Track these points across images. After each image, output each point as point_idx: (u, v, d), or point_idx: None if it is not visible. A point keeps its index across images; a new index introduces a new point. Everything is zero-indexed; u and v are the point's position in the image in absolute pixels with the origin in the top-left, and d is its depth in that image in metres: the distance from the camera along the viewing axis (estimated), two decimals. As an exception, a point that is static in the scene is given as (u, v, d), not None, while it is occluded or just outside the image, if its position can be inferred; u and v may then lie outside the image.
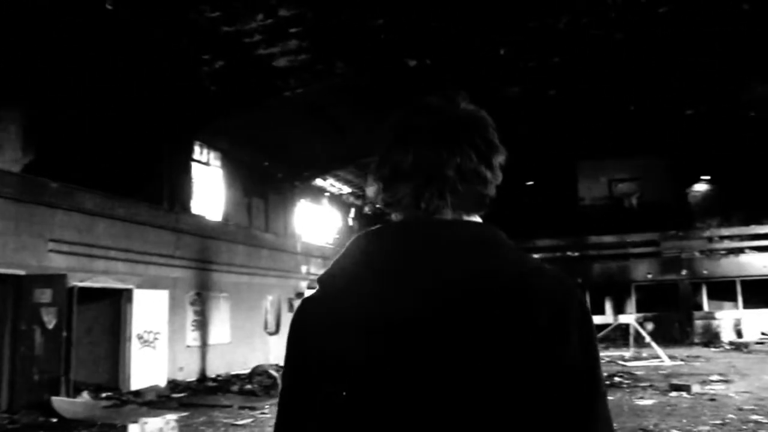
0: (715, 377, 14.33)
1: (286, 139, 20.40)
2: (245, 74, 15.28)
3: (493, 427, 1.06)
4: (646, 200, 22.09)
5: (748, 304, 26.02)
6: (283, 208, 22.64)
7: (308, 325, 1.22)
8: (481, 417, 1.06)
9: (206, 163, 18.41)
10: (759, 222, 27.68)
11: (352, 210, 28.33)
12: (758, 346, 22.00)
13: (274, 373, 13.83)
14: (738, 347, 22.18)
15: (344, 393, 1.12)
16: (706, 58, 17.40)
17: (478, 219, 1.24)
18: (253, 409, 11.48)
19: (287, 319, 21.59)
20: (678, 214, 28.19)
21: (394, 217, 1.26)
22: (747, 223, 27.52)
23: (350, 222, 28.29)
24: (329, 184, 26.09)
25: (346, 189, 27.37)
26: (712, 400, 11.38)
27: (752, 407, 10.62)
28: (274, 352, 20.54)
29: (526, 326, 1.08)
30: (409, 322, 1.10)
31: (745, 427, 9.02)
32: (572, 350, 1.10)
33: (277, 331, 20.84)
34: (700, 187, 29.54)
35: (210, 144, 18.51)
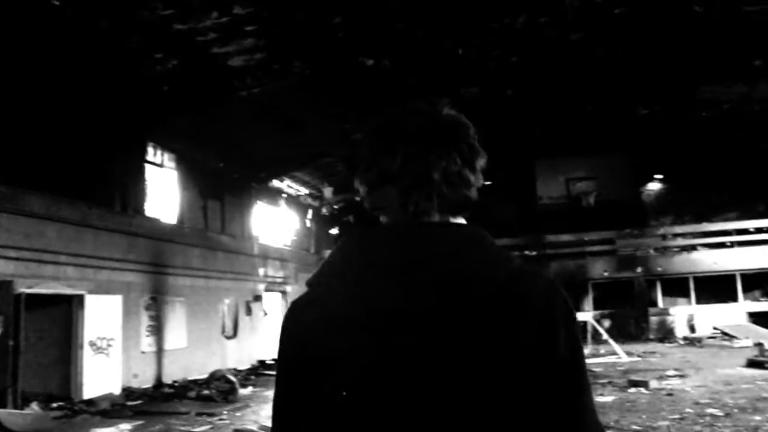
0: (671, 372, 14.53)
1: (243, 140, 20.05)
2: (199, 73, 14.94)
3: (486, 420, 1.11)
4: (603, 199, 22.34)
5: (700, 300, 26.58)
6: (240, 210, 22.28)
7: (301, 328, 1.24)
8: (476, 411, 1.11)
9: (160, 165, 17.98)
10: (709, 220, 28.33)
11: (310, 211, 28.07)
12: (711, 341, 22.46)
13: (232, 378, 13.57)
14: (692, 342, 22.61)
15: (343, 393, 1.15)
16: (660, 58, 17.63)
17: (462, 220, 1.28)
18: (211, 415, 11.21)
19: (245, 323, 21.32)
20: (634, 213, 28.67)
21: (382, 219, 1.28)
22: (698, 221, 28.13)
23: (308, 223, 28.03)
24: (286, 185, 25.78)
25: (304, 190, 27.09)
26: (670, 395, 11.51)
27: (708, 401, 10.77)
28: (232, 356, 20.21)
29: (518, 325, 1.13)
30: (402, 322, 1.13)
31: (702, 420, 9.12)
32: (560, 346, 1.15)
33: (234, 335, 20.51)
34: (654, 186, 30.09)
35: (164, 145, 18.09)
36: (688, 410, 9.91)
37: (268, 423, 10.25)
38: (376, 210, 1.29)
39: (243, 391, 14.58)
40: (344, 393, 1.15)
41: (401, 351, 1.13)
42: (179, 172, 18.73)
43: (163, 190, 18.20)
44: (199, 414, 11.34)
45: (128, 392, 14.19)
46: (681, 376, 13.94)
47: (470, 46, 16.02)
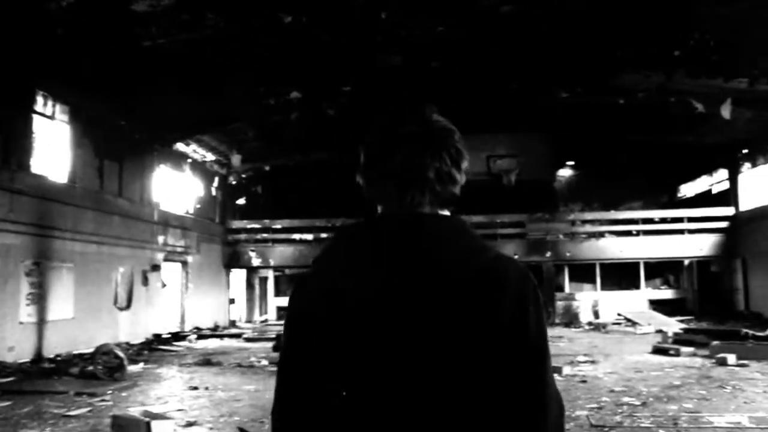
0: (581, 358, 14.38)
1: (147, 97, 18.55)
2: (98, 16, 13.47)
3: (466, 382, 1.32)
4: (524, 178, 22.10)
5: (604, 286, 27.05)
6: (140, 173, 20.76)
7: (306, 298, 1.45)
8: (457, 373, 1.32)
9: (51, 117, 16.33)
10: (615, 208, 28.86)
11: (216, 179, 26.68)
12: (615, 327, 22.78)
13: (120, 354, 12.38)
14: (596, 327, 22.86)
15: (348, 368, 1.36)
16: (586, 39, 17.37)
17: (447, 213, 1.48)
18: (92, 395, 10.07)
19: (141, 293, 19.94)
20: (550, 195, 28.85)
21: (380, 209, 1.51)
22: (606, 209, 28.59)
23: (214, 192, 26.65)
24: (192, 149, 24.31)
25: (211, 156, 25.66)
26: (584, 381, 11.24)
27: (622, 389, 10.54)
28: (125, 329, 18.87)
29: (495, 303, 1.35)
30: (400, 296, 1.34)
31: (620, 410, 8.78)
32: (531, 322, 1.37)
33: (128, 306, 19.15)
34: (565, 172, 30.38)
35: (56, 95, 16.44)
36: (604, 399, 9.59)
37: (156, 405, 9.23)
38: (375, 200, 1.52)
39: (133, 368, 13.41)
40: (345, 374, 1.36)
41: (397, 321, 1.33)
42: (73, 127, 17.11)
43: (54, 146, 16.58)
44: (78, 394, 10.17)
45: (0, 367, 12.77)
46: (592, 362, 13.78)
47: (394, 9, 15.19)
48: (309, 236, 27.37)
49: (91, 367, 12.29)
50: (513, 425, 1.32)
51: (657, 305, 26.25)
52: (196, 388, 11.05)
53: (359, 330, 1.35)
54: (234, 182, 28.17)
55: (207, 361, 14.93)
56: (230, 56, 16.24)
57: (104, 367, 12.28)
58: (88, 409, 9.04)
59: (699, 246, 25.80)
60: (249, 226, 27.81)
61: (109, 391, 10.47)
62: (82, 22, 13.40)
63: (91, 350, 14.41)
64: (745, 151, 24.98)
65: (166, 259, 22.07)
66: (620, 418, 8.26)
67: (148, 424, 6.47)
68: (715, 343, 14.49)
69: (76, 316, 16.56)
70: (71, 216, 16.59)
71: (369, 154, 1.52)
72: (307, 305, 1.43)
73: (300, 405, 1.40)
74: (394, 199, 1.45)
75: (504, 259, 1.42)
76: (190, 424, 8.13)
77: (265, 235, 27.66)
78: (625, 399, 9.57)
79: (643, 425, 7.84)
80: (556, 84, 20.32)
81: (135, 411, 8.70)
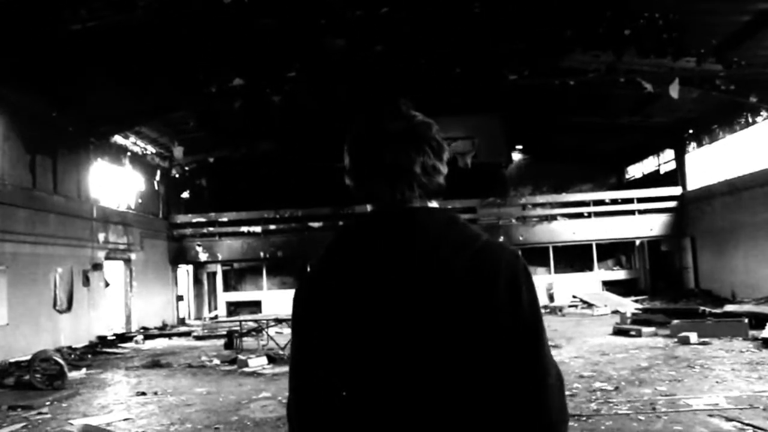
0: (543, 343, 14.09)
1: (80, 88, 17.52)
2: (21, -1, 12.48)
3: (468, 362, 1.40)
4: (479, 161, 21.72)
5: (558, 269, 27.02)
6: (76, 168, 19.65)
7: (313, 293, 1.53)
8: (458, 354, 1.40)
9: (-26, 110, 15.21)
10: (566, 191, 28.86)
11: (159, 172, 25.61)
12: (571, 309, 22.72)
13: (60, 360, 11.51)
14: (553, 311, 22.76)
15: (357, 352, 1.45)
16: (533, 19, 17.09)
17: (436, 204, 1.57)
18: (27, 408, 9.24)
19: (82, 294, 18.89)
20: (498, 180, 28.64)
21: (369, 207, 1.57)
22: (556, 192, 28.54)
23: (156, 186, 25.58)
24: (131, 142, 23.21)
25: (152, 149, 24.60)
26: (550, 368, 10.91)
27: (591, 373, 10.28)
28: (66, 332, 17.87)
29: (490, 286, 1.42)
30: (399, 286, 1.42)
31: (594, 396, 8.46)
32: (524, 302, 1.45)
33: (69, 309, 18.13)
34: (515, 156, 30.21)
35: (-22, 86, 15.31)
36: (576, 385, 9.27)
37: (100, 415, 8.49)
38: (366, 198, 1.57)
39: (74, 375, 12.57)
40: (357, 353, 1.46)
41: (397, 314, 1.41)
42: (0, 120, 15.98)
43: (-21, 141, 15.46)
44: (12, 407, 9.31)
45: (-74, 380, 11.78)
46: (555, 347, 13.49)
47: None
48: (257, 228, 26.55)
49: (27, 377, 11.40)
50: (518, 398, 1.40)
51: (610, 286, 26.34)
52: (143, 394, 10.31)
53: (362, 324, 1.44)
54: (177, 175, 27.08)
55: (155, 362, 14.14)
56: (165, 41, 15.36)
57: (43, 376, 11.39)
58: (23, 425, 8.23)
59: (649, 226, 25.97)
60: (195, 221, 26.84)
61: (48, 402, 9.65)
62: (2, 3, 12.40)
63: (28, 357, 13.49)
64: (691, 131, 25.18)
65: (108, 258, 21.03)
66: (596, 405, 7.91)
67: (88, 441, 5.79)
68: (675, 322, 14.39)
69: (10, 322, 15.51)
70: (1, 215, 15.52)
71: (355, 155, 1.58)
72: (311, 304, 1.52)
73: (312, 397, 1.50)
74: (385, 195, 1.52)
75: (494, 244, 1.50)
76: (137, 436, 7.46)
77: (211, 229, 26.75)
78: (597, 384, 9.26)
79: (621, 412, 7.50)
80: (503, 66, 20.00)
81: (76, 423, 7.97)
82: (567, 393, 8.63)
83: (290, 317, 1.58)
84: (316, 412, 1.49)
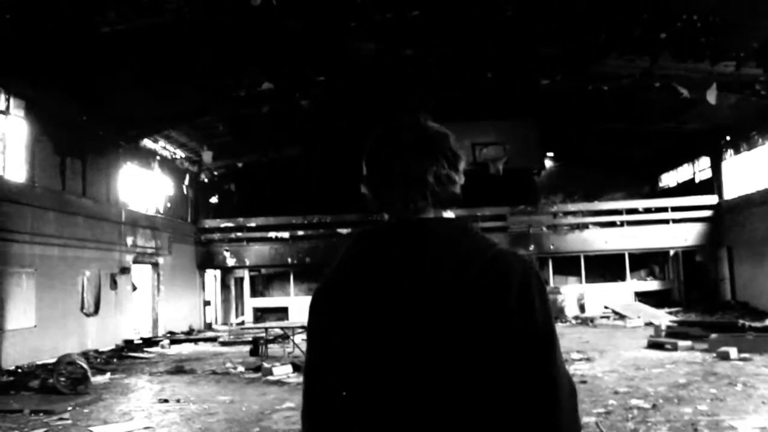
0: (575, 355, 13.69)
1: (110, 90, 17.56)
2: (52, 1, 12.46)
3: (481, 370, 1.41)
4: (512, 167, 21.29)
5: (589, 279, 26.47)
6: (106, 172, 19.69)
7: (328, 301, 1.55)
8: (471, 362, 1.41)
9: (4, 112, 15.24)
10: (597, 198, 28.28)
11: (187, 177, 25.63)
12: (603, 320, 22.19)
13: (83, 364, 11.41)
14: (584, 322, 22.26)
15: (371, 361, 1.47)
16: (566, 24, 16.71)
17: (451, 214, 1.61)
18: (49, 413, 9.12)
19: (109, 298, 18.89)
20: (529, 188, 28.16)
21: (386, 216, 1.60)
22: (588, 200, 27.97)
23: (185, 190, 25.60)
24: (161, 146, 23.24)
25: (181, 153, 24.62)
26: (584, 382, 10.52)
27: (627, 389, 9.85)
28: (93, 336, 17.86)
29: (503, 294, 1.43)
30: (413, 295, 1.44)
31: (630, 415, 8.07)
32: (537, 310, 1.45)
33: (96, 312, 18.13)
34: (547, 163, 29.71)
35: (9, 89, 15.33)
36: (611, 402, 8.87)
37: (120, 423, 8.34)
38: (382, 207, 1.60)
39: (98, 379, 12.47)
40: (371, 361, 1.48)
41: (410, 323, 1.43)
42: (30, 123, 16.02)
43: (10, 143, 15.50)
44: (34, 412, 9.19)
45: (-49, 383, 11.75)
46: (587, 360, 13.10)
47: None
48: (285, 234, 26.43)
49: (51, 380, 11.32)
50: (530, 410, 1.39)
51: (643, 297, 25.73)
52: (166, 401, 10.15)
53: (375, 332, 1.46)
54: (206, 180, 27.12)
55: (179, 368, 14.00)
56: (193, 44, 15.28)
57: (67, 380, 11.32)
58: (44, 430, 8.10)
59: (684, 236, 25.33)
60: (223, 225, 26.81)
61: (70, 408, 9.52)
62: (34, 8, 12.40)
63: (54, 360, 13.44)
64: (728, 137, 24.50)
65: (135, 261, 21.04)
66: (633, 424, 7.53)
67: (104, 453, 5.60)
68: (713, 336, 13.87)
69: (38, 324, 15.52)
70: (30, 217, 15.55)
71: (370, 165, 1.60)
72: (325, 312, 1.54)
73: (325, 405, 1.51)
74: (398, 205, 1.55)
75: (506, 253, 1.50)
76: (157, 446, 7.26)
77: (239, 234, 26.68)
78: (633, 401, 8.86)
79: (660, 432, 7.13)
80: (536, 71, 19.61)
81: (97, 431, 7.81)
82: (601, 410, 8.30)
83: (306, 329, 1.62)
84: (328, 418, 1.51)
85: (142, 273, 21.86)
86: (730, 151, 24.73)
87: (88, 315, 17.80)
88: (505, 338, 1.41)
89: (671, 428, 7.28)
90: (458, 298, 1.42)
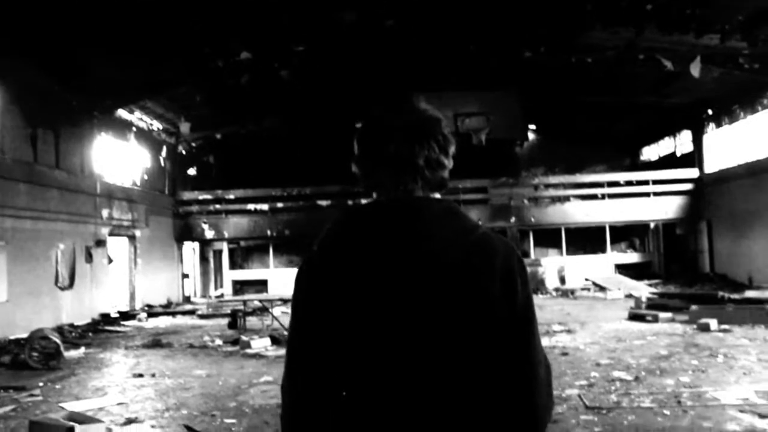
0: (557, 327, 13.65)
1: (84, 59, 17.03)
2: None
3: (464, 348, 1.46)
4: (494, 137, 21.00)
5: (570, 251, 26.49)
6: (79, 143, 19.21)
7: (317, 276, 1.53)
8: (455, 338, 1.45)
9: (-28, 80, 14.75)
10: (579, 171, 28.19)
11: (165, 148, 25.16)
12: (583, 293, 22.21)
13: (56, 339, 11.12)
14: (564, 293, 22.28)
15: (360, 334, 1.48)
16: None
17: (438, 196, 1.62)
18: (19, 389, 8.87)
19: (85, 271, 18.53)
20: (510, 160, 28.00)
21: (375, 195, 1.62)
22: (570, 173, 27.86)
23: (162, 162, 25.15)
24: (137, 117, 22.73)
25: (158, 124, 24.12)
26: (565, 354, 10.46)
27: (608, 361, 9.80)
28: (68, 309, 17.55)
29: (487, 274, 1.48)
30: (402, 272, 1.46)
31: (613, 387, 7.99)
32: (518, 291, 1.51)
33: (71, 285, 17.79)
34: (529, 135, 29.50)
35: (-23, 56, 14.83)
36: (593, 374, 8.78)
37: (93, 398, 8.10)
38: (371, 188, 1.63)
39: (72, 353, 12.21)
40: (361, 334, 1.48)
41: (399, 298, 1.45)
42: (-1, 92, 15.54)
43: (-22, 113, 15.02)
44: (4, 388, 8.93)
45: None
46: (569, 332, 13.04)
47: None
48: (264, 206, 26.11)
49: (23, 356, 11.04)
50: (507, 386, 1.46)
51: (623, 269, 25.82)
52: (141, 375, 9.92)
53: (363, 306, 1.47)
54: (184, 152, 26.66)
55: (156, 342, 13.77)
56: (169, 11, 14.82)
57: (39, 354, 11.03)
58: (12, 407, 7.85)
59: (664, 209, 25.37)
60: (201, 198, 26.41)
61: (41, 383, 9.28)
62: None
63: (28, 335, 13.12)
64: (710, 111, 24.46)
65: (112, 234, 20.66)
66: (616, 396, 7.44)
67: (71, 430, 5.38)
68: (694, 307, 13.87)
69: (10, 299, 15.17)
70: (1, 190, 15.13)
71: (363, 145, 1.63)
72: (313, 286, 1.53)
73: (309, 378, 1.51)
74: (389, 185, 1.58)
75: (492, 236, 1.56)
76: (129, 422, 7.04)
77: (218, 206, 26.32)
78: (615, 373, 8.78)
79: (644, 405, 7.03)
80: (520, 43, 19.33)
81: (67, 407, 7.58)
82: (584, 382, 8.20)
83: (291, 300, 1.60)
84: (312, 391, 1.50)
85: (118, 246, 21.49)
86: (712, 125, 24.71)
87: (62, 289, 17.46)
88: (489, 319, 1.46)
89: (654, 400, 7.19)
90: (445, 278, 1.46)
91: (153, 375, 9.95)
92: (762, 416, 6.35)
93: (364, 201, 1.67)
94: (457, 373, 1.44)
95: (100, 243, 19.74)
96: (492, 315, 1.46)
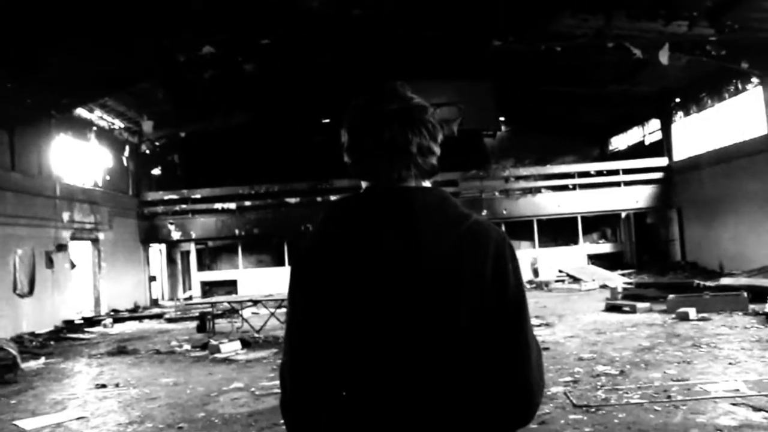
0: (534, 321, 13.36)
1: (39, 55, 16.30)
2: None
3: (458, 329, 1.47)
4: (467, 127, 20.68)
5: (542, 243, 26.35)
6: (36, 144, 18.47)
7: (314, 265, 1.53)
8: (450, 319, 1.46)
9: None
10: (548, 163, 28.07)
11: (127, 148, 24.43)
12: (558, 284, 22.05)
13: (12, 350, 10.54)
14: (539, 286, 22.10)
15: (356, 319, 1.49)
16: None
17: (429, 183, 1.62)
18: (-30, 406, 8.31)
19: (45, 277, 17.82)
20: (480, 152, 27.75)
21: (365, 184, 1.61)
22: (539, 164, 27.71)
23: (125, 162, 24.41)
24: (97, 116, 21.98)
25: (119, 123, 23.37)
26: (546, 349, 10.14)
27: (591, 355, 9.53)
28: (28, 318, 16.85)
29: (480, 260, 1.50)
30: (399, 259, 1.46)
31: (599, 382, 7.70)
32: (510, 279, 1.52)
33: (30, 292, 17.08)
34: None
35: None
36: (577, 369, 8.49)
37: (51, 414, 7.58)
38: (363, 176, 1.61)
39: (31, 364, 11.61)
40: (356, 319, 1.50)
41: (395, 284, 1.46)
42: (-52, 91, 14.79)
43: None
44: (-47, 406, 8.39)
45: None
46: (547, 325, 12.78)
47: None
48: (232, 205, 25.51)
49: (-23, 368, 10.42)
50: (501, 368, 1.48)
51: (596, 260, 25.75)
52: (104, 386, 9.40)
53: (360, 294, 1.48)
54: (147, 151, 25.93)
55: (121, 349, 13.21)
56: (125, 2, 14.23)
57: (-5, 366, 10.43)
58: (-39, 425, 7.32)
59: (635, 198, 25.36)
60: (166, 198, 25.72)
61: (-5, 399, 8.73)
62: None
63: (-16, 346, 12.46)
64: (678, 99, 24.47)
65: (73, 238, 19.94)
66: (603, 393, 7.14)
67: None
68: (671, 297, 13.71)
69: (-35, 308, 14.49)
70: (-48, 193, 14.42)
71: (354, 134, 1.61)
72: (308, 275, 1.53)
73: (308, 363, 1.51)
74: (382, 174, 1.57)
75: (484, 223, 1.57)
76: (89, 438, 6.57)
77: (184, 206, 25.65)
78: (600, 368, 8.50)
79: (633, 401, 6.74)
80: (488, 32, 19.04)
81: (22, 425, 7.08)
82: (568, 379, 7.86)
83: (287, 291, 1.59)
84: (311, 378, 1.50)
85: (81, 250, 20.78)
86: (680, 113, 24.73)
87: (21, 296, 16.76)
88: (482, 302, 1.48)
89: (643, 396, 6.91)
90: (442, 263, 1.47)
91: (117, 385, 9.44)
92: (756, 409, 6.09)
93: (345, 195, 1.65)
94: (455, 356, 1.46)
95: (62, 247, 19.02)
96: (484, 301, 1.48)
